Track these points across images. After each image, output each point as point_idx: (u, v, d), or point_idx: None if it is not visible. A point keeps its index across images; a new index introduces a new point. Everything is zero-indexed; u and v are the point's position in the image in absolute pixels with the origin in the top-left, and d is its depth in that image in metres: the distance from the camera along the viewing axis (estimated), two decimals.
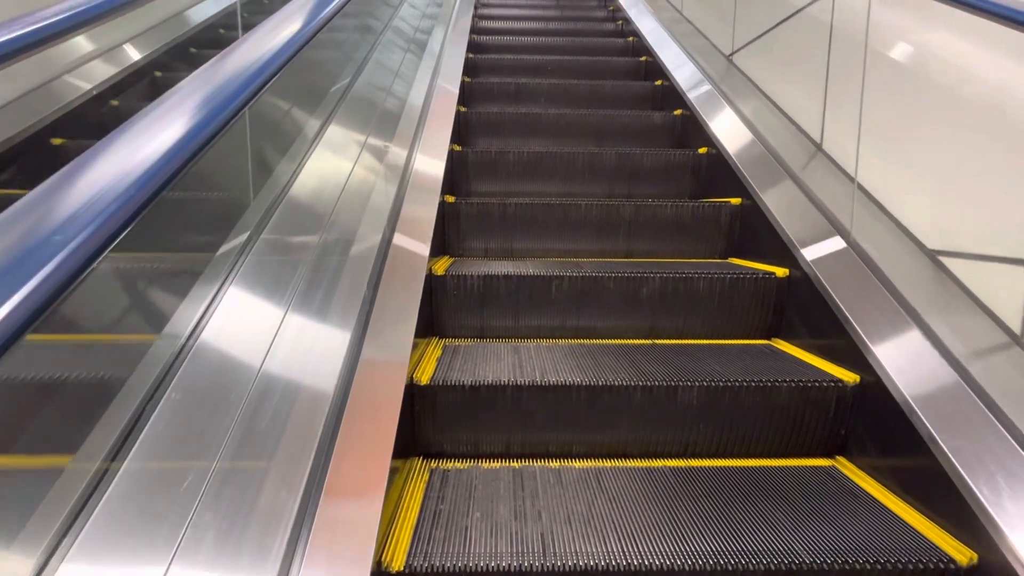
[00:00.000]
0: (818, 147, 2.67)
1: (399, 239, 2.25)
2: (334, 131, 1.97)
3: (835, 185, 2.46)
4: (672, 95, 3.98)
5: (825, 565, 1.41)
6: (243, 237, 1.53)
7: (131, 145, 0.74)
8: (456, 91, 3.71)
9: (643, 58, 4.65)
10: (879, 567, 1.41)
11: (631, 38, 5.11)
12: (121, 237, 0.65)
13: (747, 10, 3.70)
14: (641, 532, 1.52)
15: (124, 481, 1.02)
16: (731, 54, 3.77)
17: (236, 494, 1.14)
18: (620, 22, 5.58)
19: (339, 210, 1.98)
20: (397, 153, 2.72)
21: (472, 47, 4.67)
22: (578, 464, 1.85)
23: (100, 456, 1.02)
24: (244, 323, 1.46)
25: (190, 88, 0.91)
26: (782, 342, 2.32)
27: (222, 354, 1.34)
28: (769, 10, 3.37)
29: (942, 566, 1.41)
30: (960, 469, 1.48)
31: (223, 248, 1.50)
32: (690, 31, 4.42)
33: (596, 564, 1.42)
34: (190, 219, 1.47)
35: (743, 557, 1.42)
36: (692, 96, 3.69)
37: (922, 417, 1.62)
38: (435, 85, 3.59)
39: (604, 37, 5.46)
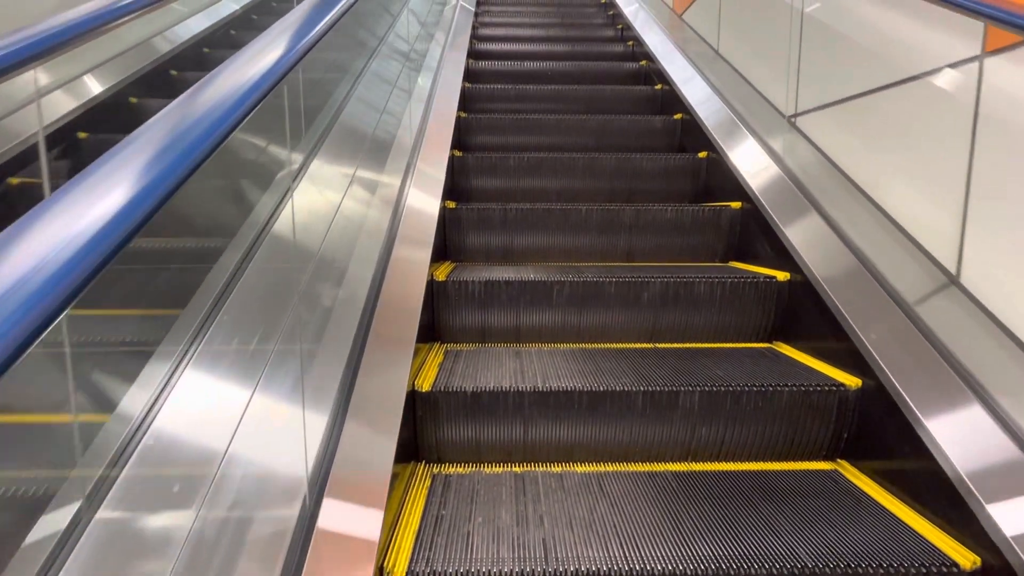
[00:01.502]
0: (952, 279, 1.82)
1: (400, 245, 2.25)
2: (328, 144, 1.96)
3: (996, 354, 1.70)
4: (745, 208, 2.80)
5: (828, 569, 1.41)
6: (248, 237, 1.53)
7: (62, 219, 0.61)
8: (456, 96, 3.73)
9: (703, 154, 3.35)
10: (882, 571, 1.41)
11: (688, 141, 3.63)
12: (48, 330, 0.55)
13: (817, 63, 2.71)
14: (643, 536, 1.52)
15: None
16: (794, 115, 2.84)
17: (242, 486, 1.15)
18: (659, 86, 4.22)
19: (339, 219, 1.98)
20: (397, 163, 2.73)
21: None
22: (580, 468, 1.85)
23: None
24: (254, 318, 1.46)
25: (142, 141, 0.76)
26: (784, 345, 2.32)
27: (214, 369, 1.35)
28: (856, 67, 2.42)
29: (945, 570, 1.41)
30: (962, 473, 1.48)
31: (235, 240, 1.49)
32: (753, 97, 3.27)
33: (598, 569, 1.42)
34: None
35: (745, 561, 1.42)
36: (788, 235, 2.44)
37: (923, 421, 1.62)
38: (434, 94, 3.60)
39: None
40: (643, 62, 4.68)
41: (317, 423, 1.42)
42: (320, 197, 1.96)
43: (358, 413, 1.52)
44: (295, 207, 1.63)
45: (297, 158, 1.72)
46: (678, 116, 3.74)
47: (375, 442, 1.56)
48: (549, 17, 6.13)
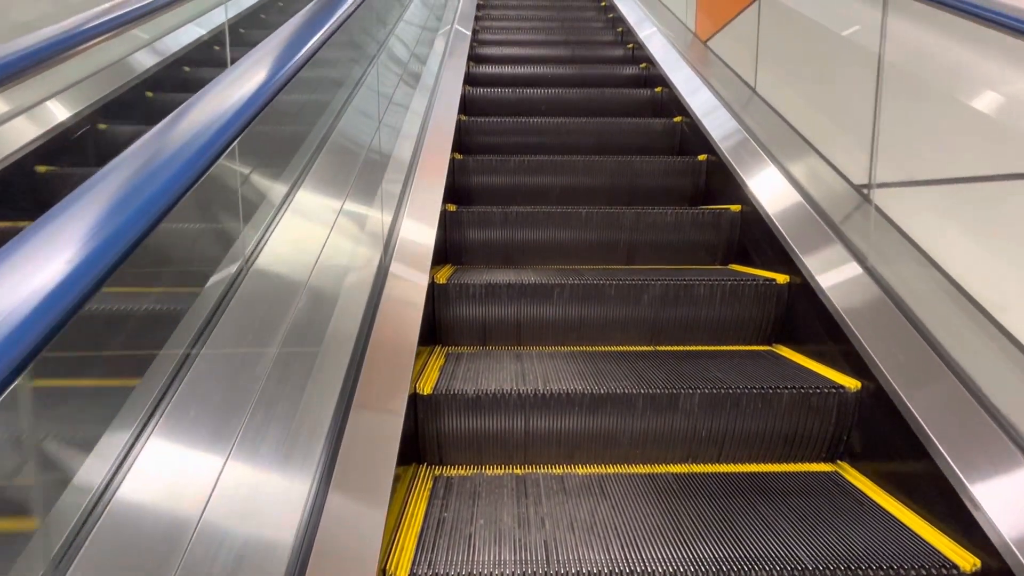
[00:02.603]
0: None
1: (401, 248, 2.26)
2: (325, 157, 1.96)
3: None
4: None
5: (828, 571, 1.42)
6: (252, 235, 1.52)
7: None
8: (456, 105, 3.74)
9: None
10: (882, 572, 1.41)
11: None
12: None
13: (906, 124, 2.10)
14: (644, 538, 1.52)
15: None
16: (868, 187, 2.25)
17: (245, 485, 1.15)
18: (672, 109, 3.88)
19: (337, 222, 1.99)
20: (396, 168, 2.74)
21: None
22: (581, 470, 1.86)
23: None
24: (267, 299, 1.47)
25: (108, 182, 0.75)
26: (784, 348, 2.33)
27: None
28: (971, 134, 1.85)
29: (944, 572, 1.42)
30: (961, 474, 1.48)
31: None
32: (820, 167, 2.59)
33: (599, 570, 1.42)
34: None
35: (746, 563, 1.43)
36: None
37: (922, 422, 1.62)
38: (434, 100, 3.61)
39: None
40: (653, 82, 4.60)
41: (320, 423, 1.43)
42: (313, 209, 1.96)
43: (360, 415, 1.52)
44: (281, 229, 1.62)
45: (281, 189, 1.70)
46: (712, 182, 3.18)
47: (377, 444, 1.57)
48: (545, 23, 6.10)
